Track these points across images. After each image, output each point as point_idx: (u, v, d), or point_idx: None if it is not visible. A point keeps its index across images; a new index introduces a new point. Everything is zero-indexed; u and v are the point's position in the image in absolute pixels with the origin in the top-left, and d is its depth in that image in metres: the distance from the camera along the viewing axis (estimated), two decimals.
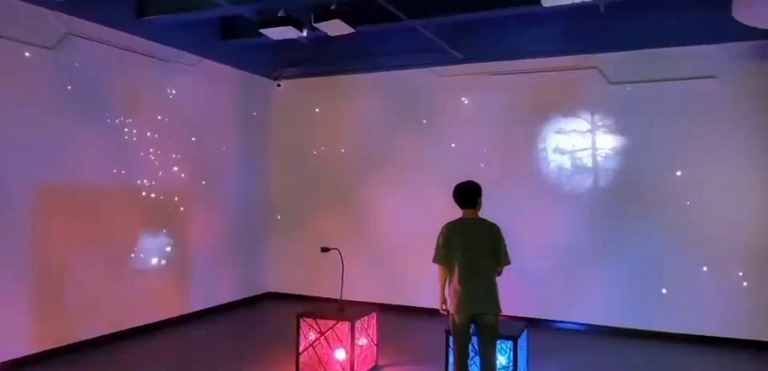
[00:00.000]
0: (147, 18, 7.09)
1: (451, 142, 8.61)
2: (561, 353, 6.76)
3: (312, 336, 5.65)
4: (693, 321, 7.27)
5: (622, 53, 7.66)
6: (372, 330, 6.05)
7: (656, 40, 7.38)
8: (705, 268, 7.25)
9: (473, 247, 4.47)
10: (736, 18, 5.19)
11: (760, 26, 5.21)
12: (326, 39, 7.07)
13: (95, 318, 6.75)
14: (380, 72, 9.06)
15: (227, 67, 8.81)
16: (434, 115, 8.80)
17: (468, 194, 4.59)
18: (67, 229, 6.46)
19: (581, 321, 7.85)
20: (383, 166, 9.10)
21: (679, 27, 7.17)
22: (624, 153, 7.73)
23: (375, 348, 6.10)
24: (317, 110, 9.63)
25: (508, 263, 4.50)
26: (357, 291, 8.19)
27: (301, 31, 6.61)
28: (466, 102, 8.61)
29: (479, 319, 4.44)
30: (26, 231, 6.05)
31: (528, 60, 8.08)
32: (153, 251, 7.58)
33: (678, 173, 7.45)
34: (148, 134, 7.47)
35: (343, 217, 9.29)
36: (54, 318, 6.31)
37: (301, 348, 5.68)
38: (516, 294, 7.09)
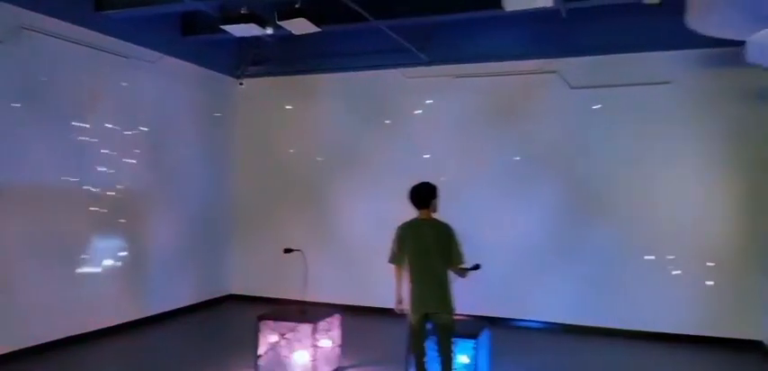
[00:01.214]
0: (105, 12, 6.90)
1: (416, 143, 8.64)
2: (522, 351, 6.86)
3: (273, 338, 5.58)
4: (650, 319, 7.50)
5: (582, 58, 7.85)
6: (335, 332, 6.02)
7: (615, 47, 7.60)
8: (662, 275, 7.47)
9: (425, 247, 4.51)
10: (690, 27, 5.35)
11: (712, 35, 5.39)
12: (291, 37, 7.02)
13: (47, 322, 6.52)
14: (346, 72, 9.03)
15: (189, 64, 8.63)
16: (400, 116, 8.82)
17: (422, 194, 4.62)
18: (18, 230, 6.22)
19: (542, 320, 7.99)
20: (348, 166, 9.07)
21: (636, 34, 7.40)
22: (584, 155, 7.89)
23: (338, 349, 6.07)
24: (284, 109, 9.52)
25: (462, 262, 4.50)
26: (321, 292, 8.15)
27: (265, 29, 6.54)
28: (431, 103, 8.66)
29: (433, 318, 4.49)
30: None
31: (492, 64, 8.19)
32: (108, 253, 7.36)
33: (635, 174, 7.66)
34: (105, 132, 7.26)
35: (307, 218, 9.22)
36: (3, 322, 6.06)
37: (261, 352, 5.60)
38: (478, 293, 7.16)
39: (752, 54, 4.21)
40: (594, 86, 7.83)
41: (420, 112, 8.71)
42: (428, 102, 8.67)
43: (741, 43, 4.28)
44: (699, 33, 5.48)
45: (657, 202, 7.54)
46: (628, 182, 7.70)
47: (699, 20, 5.19)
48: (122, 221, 7.55)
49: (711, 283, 7.31)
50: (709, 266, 7.32)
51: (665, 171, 7.53)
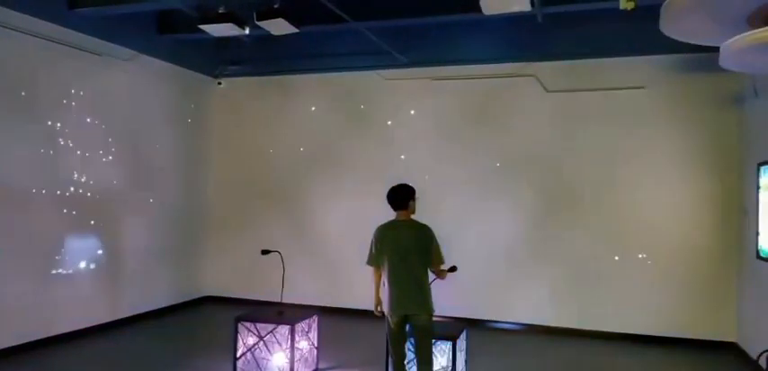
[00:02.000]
0: (79, 10, 6.78)
1: (395, 145, 8.66)
2: (499, 353, 6.91)
3: (251, 340, 5.54)
4: (626, 320, 7.60)
5: (558, 63, 7.95)
6: (313, 334, 5.99)
7: (591, 51, 7.70)
8: (637, 277, 7.59)
9: (404, 248, 4.50)
10: (664, 32, 5.44)
11: (685, 40, 5.49)
12: (270, 38, 6.96)
13: (21, 324, 6.38)
14: (325, 73, 9.01)
15: (165, 63, 8.52)
16: (378, 118, 8.82)
17: (399, 196, 4.63)
18: None
19: (519, 321, 8.05)
20: (326, 167, 9.04)
21: (611, 39, 7.49)
22: (560, 158, 7.98)
23: (316, 351, 6.05)
24: (263, 109, 9.45)
25: (442, 262, 4.54)
26: (298, 294, 8.13)
27: (243, 29, 6.48)
28: (410, 105, 8.67)
29: (412, 319, 4.49)
30: None
31: (470, 67, 8.25)
32: (83, 254, 7.23)
33: (610, 177, 7.77)
34: (79, 131, 7.13)
35: (285, 219, 9.17)
36: None
37: (239, 353, 5.56)
38: (456, 295, 7.21)
39: (725, 59, 4.28)
40: (570, 90, 7.92)
41: (398, 114, 8.72)
42: (406, 104, 8.68)
43: (715, 49, 4.35)
44: (673, 39, 5.57)
45: (633, 204, 7.65)
46: (603, 185, 7.80)
47: (671, 25, 5.27)
48: (96, 221, 7.42)
49: (686, 285, 7.42)
50: (684, 268, 7.43)
51: (641, 174, 7.64)
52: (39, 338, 6.60)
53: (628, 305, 7.61)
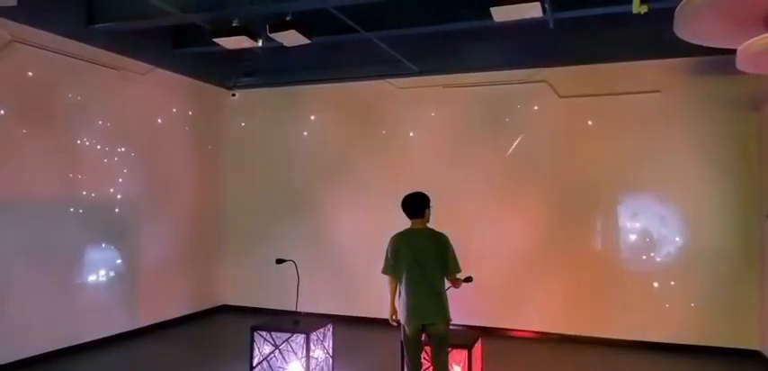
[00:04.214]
0: (97, 26, 6.91)
1: (407, 153, 8.67)
2: (515, 361, 6.86)
3: (266, 349, 5.58)
4: (645, 328, 7.49)
5: (571, 68, 7.90)
6: (328, 342, 6.01)
7: (603, 56, 7.64)
8: (655, 283, 7.51)
9: (421, 256, 4.49)
10: (679, 35, 5.39)
11: (700, 43, 5.44)
12: (282, 49, 7.04)
13: (40, 334, 6.50)
14: (337, 83, 9.06)
15: (180, 76, 8.65)
16: (391, 126, 8.85)
17: (415, 204, 4.63)
18: (10, 241, 6.20)
19: (535, 329, 8.00)
20: (340, 177, 9.08)
21: (624, 43, 7.42)
22: (574, 164, 7.93)
23: (331, 360, 6.06)
24: (276, 120, 9.53)
25: (458, 271, 4.53)
26: (313, 303, 8.13)
27: (256, 41, 6.56)
28: (422, 113, 8.69)
29: (429, 328, 4.48)
30: None
31: (481, 74, 8.23)
32: (101, 264, 7.34)
33: (626, 182, 7.70)
34: (98, 144, 7.26)
35: (300, 228, 9.21)
36: None
37: (255, 362, 5.60)
38: (470, 303, 7.18)
39: (743, 62, 4.22)
40: (583, 95, 7.88)
41: (410, 122, 8.73)
42: (418, 112, 8.70)
43: (731, 51, 4.31)
44: (688, 42, 5.52)
45: (650, 210, 7.57)
46: (619, 190, 7.74)
47: (685, 28, 5.22)
48: (115, 232, 7.54)
49: (706, 291, 7.29)
50: (703, 274, 7.31)
51: (657, 180, 7.55)
52: (60, 347, 6.71)
53: (645, 312, 7.51)
